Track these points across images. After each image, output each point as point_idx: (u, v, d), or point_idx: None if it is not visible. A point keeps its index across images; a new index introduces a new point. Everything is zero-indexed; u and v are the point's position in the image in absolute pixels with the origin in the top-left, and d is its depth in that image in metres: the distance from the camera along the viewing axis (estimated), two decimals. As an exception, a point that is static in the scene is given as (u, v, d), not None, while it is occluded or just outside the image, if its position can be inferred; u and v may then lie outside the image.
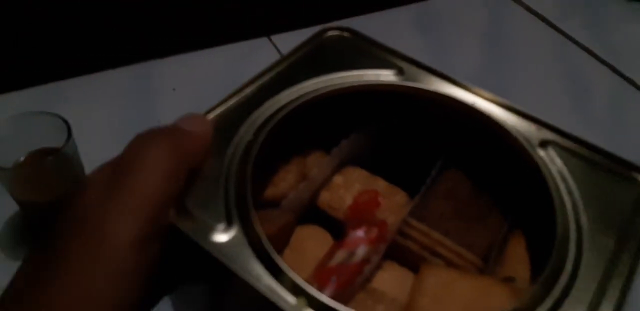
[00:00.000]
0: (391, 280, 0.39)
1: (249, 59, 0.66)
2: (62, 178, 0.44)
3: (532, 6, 0.83)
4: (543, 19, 0.82)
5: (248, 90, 0.38)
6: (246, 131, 0.36)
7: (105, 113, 0.59)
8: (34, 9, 0.72)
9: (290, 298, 0.29)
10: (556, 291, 0.31)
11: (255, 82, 0.39)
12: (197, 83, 0.62)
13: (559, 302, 0.31)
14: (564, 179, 0.36)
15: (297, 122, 0.38)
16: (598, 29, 0.80)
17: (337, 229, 0.42)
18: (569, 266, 0.32)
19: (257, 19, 0.76)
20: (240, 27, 0.74)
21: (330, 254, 0.38)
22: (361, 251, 0.38)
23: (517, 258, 0.40)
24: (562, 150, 0.37)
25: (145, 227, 0.26)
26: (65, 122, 0.43)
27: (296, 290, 0.29)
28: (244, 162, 0.34)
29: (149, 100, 0.61)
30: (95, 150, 0.47)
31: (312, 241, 0.41)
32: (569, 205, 0.35)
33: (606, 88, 0.71)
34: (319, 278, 0.37)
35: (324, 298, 0.28)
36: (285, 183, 0.40)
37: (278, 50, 0.68)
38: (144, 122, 0.54)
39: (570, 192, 0.35)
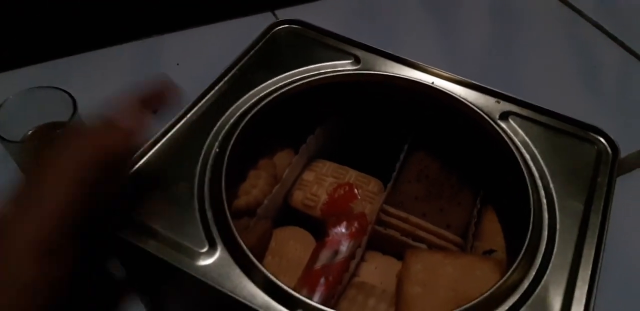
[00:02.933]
0: (377, 271, 0.40)
1: (253, 34, 0.65)
2: None
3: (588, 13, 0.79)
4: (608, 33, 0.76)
5: (207, 100, 0.37)
6: (210, 144, 0.35)
7: (110, 88, 0.58)
8: None
9: (287, 312, 0.28)
10: (537, 261, 0.32)
11: (213, 89, 0.38)
12: (201, 59, 0.62)
13: (541, 271, 0.32)
14: (527, 148, 0.36)
15: (262, 126, 0.37)
16: (609, 3, 0.78)
17: (315, 226, 0.42)
18: (544, 233, 0.33)
19: None
20: (244, 2, 0.73)
21: (314, 256, 0.38)
22: (344, 248, 0.38)
23: (492, 231, 0.41)
24: (522, 119, 0.38)
25: (48, 238, 0.25)
26: (71, 96, 0.44)
27: (293, 304, 0.29)
28: (216, 180, 0.33)
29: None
30: None
31: (292, 243, 0.41)
32: (536, 174, 0.35)
33: (616, 64, 0.70)
34: (308, 282, 0.37)
35: (321, 307, 0.28)
36: (257, 189, 0.39)
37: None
38: None
39: (535, 160, 0.36)
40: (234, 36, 0.65)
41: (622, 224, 0.33)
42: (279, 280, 0.29)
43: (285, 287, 0.29)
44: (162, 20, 0.70)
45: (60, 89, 0.44)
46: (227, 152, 0.35)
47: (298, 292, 0.29)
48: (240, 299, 0.28)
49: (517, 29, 0.73)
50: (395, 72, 0.39)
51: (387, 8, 0.74)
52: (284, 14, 0.70)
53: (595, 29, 0.73)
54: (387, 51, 0.40)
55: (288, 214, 0.43)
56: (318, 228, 0.42)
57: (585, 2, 0.77)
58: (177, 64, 0.62)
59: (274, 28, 0.42)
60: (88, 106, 0.45)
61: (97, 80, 0.60)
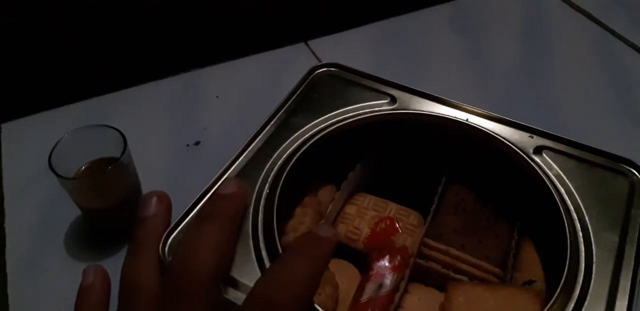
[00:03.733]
0: (420, 302, 0.41)
1: (288, 64, 0.69)
2: (119, 186, 0.48)
3: (595, 15, 0.78)
4: (583, 12, 0.77)
5: (257, 144, 0.40)
6: (261, 186, 0.38)
7: (153, 122, 0.63)
8: (84, 25, 0.78)
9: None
10: (575, 293, 0.33)
11: (262, 133, 0.41)
12: (239, 90, 0.65)
13: (580, 303, 0.33)
14: (562, 182, 0.38)
15: (306, 166, 0.40)
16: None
17: (357, 258, 0.44)
18: (582, 266, 0.34)
19: (294, 25, 0.78)
20: (278, 34, 0.77)
21: (360, 289, 0.40)
22: (388, 281, 0.40)
23: (531, 262, 0.42)
24: (556, 154, 0.39)
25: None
26: (122, 133, 0.46)
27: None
28: (268, 219, 0.35)
29: (194, 108, 0.64)
30: (147, 158, 0.52)
31: (338, 276, 0.43)
32: (572, 207, 0.37)
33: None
34: (355, 314, 0.39)
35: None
36: (304, 226, 0.41)
37: (315, 55, 0.70)
38: (191, 129, 0.61)
39: (570, 193, 0.37)
40: (270, 67, 0.69)
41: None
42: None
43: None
44: (200, 54, 0.73)
45: (111, 127, 0.47)
46: (277, 193, 0.37)
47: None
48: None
49: (548, 53, 0.72)
50: (430, 110, 0.42)
51: (416, 34, 0.74)
52: (317, 44, 0.72)
53: (630, 48, 0.72)
54: (421, 90, 0.42)
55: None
56: (359, 260, 0.44)
57: (618, 21, 0.76)
58: (217, 97, 0.65)
59: (314, 71, 0.45)
60: (134, 140, 0.48)
61: (141, 115, 0.63)
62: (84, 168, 0.48)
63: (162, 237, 0.32)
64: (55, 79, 0.71)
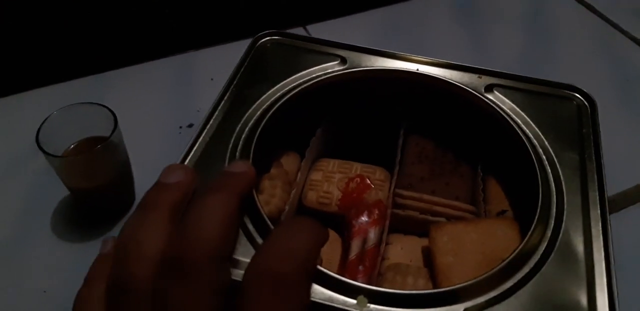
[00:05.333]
0: (404, 251, 0.43)
1: None
2: (109, 166, 0.47)
3: None
4: (590, 8, 0.77)
5: (214, 120, 0.39)
6: (230, 161, 0.37)
7: (147, 102, 0.61)
8: (82, 4, 0.75)
9: (350, 300, 0.30)
10: (553, 211, 0.35)
11: (217, 110, 0.40)
12: None
13: (559, 218, 0.35)
14: (517, 114, 0.40)
15: (269, 138, 0.39)
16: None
17: (332, 222, 0.44)
18: (552, 186, 0.37)
19: (293, 9, 0.77)
20: (276, 18, 0.75)
21: (346, 247, 0.41)
22: (372, 234, 0.41)
23: (498, 194, 0.44)
24: (505, 89, 0.41)
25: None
26: (112, 112, 0.45)
27: (353, 292, 0.31)
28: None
29: (189, 90, 0.63)
30: (139, 138, 0.51)
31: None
32: (530, 134, 0.39)
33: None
34: (348, 271, 0.39)
35: (379, 289, 0.30)
36: (276, 198, 0.41)
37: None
38: (184, 111, 0.60)
39: (526, 123, 0.39)
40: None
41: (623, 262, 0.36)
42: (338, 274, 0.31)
43: (342, 278, 0.31)
44: (196, 36, 0.72)
45: (101, 105, 0.45)
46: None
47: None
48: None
49: (549, 44, 0.72)
50: (381, 65, 0.42)
51: (417, 22, 0.74)
52: (315, 28, 0.71)
53: (634, 43, 0.73)
54: (368, 47, 0.43)
55: (304, 214, 0.45)
56: (335, 223, 0.44)
57: (619, 14, 0.76)
58: (212, 79, 0.64)
59: (258, 41, 0.44)
60: (126, 120, 0.47)
61: (134, 95, 0.62)
62: (73, 147, 0.47)
63: (176, 205, 0.29)
64: (47, 57, 0.69)
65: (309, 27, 0.71)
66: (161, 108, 0.61)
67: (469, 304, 0.30)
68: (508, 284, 0.31)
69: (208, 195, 0.29)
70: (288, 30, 0.70)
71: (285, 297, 0.26)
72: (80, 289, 0.29)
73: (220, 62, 0.58)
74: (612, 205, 0.39)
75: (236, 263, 0.31)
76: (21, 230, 0.49)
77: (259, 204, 0.34)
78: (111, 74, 0.65)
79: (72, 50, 0.70)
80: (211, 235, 0.27)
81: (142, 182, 0.51)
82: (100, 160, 0.45)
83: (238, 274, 0.30)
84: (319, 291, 0.31)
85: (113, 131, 0.44)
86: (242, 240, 0.33)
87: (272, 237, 0.29)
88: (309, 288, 0.28)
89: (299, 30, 0.71)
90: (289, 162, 0.44)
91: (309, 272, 0.28)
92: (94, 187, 0.47)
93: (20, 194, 0.52)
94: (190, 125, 0.59)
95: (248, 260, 0.27)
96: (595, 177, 0.37)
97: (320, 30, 0.71)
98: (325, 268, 0.40)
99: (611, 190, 0.38)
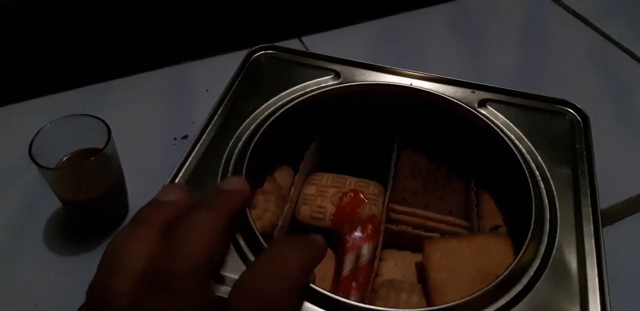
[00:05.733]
0: (397, 267, 0.42)
1: None
2: (102, 178, 0.46)
3: (570, 5, 0.80)
4: (581, 19, 0.78)
5: (207, 135, 0.39)
6: (222, 176, 0.36)
7: (141, 114, 0.61)
8: (75, 15, 0.75)
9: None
10: (546, 227, 0.35)
11: (211, 124, 0.40)
12: None
13: (552, 234, 0.35)
14: (510, 129, 0.40)
15: (263, 152, 0.39)
16: (639, 29, 0.76)
17: (326, 236, 0.44)
18: (545, 201, 0.37)
19: (288, 20, 0.77)
20: (272, 29, 0.75)
21: (339, 263, 0.40)
22: (365, 250, 0.40)
23: (491, 209, 0.44)
24: (499, 104, 0.41)
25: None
26: (106, 124, 0.45)
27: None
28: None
29: (184, 101, 0.63)
30: (133, 150, 0.51)
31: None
32: (524, 150, 0.39)
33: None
34: (341, 288, 0.39)
35: (373, 308, 0.30)
36: (269, 213, 0.41)
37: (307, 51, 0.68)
38: (179, 123, 0.59)
39: (519, 138, 0.39)
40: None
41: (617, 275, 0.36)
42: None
43: (335, 296, 0.31)
44: (193, 47, 0.72)
45: (95, 117, 0.45)
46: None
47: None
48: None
49: (543, 56, 0.73)
50: (375, 79, 0.42)
51: (413, 34, 0.74)
52: (310, 40, 0.71)
53: (625, 54, 0.73)
54: (363, 62, 0.43)
55: (297, 229, 0.45)
56: (329, 238, 0.43)
57: (613, 27, 0.77)
58: (207, 90, 0.63)
59: (252, 56, 0.44)
60: (120, 131, 0.46)
61: (129, 106, 0.62)
62: (66, 159, 0.46)
63: (168, 223, 0.28)
64: (41, 68, 0.68)
65: (304, 39, 0.72)
66: (156, 120, 0.61)
67: (462, 322, 0.30)
68: (502, 301, 0.31)
69: (197, 212, 0.28)
70: (284, 42, 0.71)
71: None
72: (125, 228, 0.29)
73: (216, 73, 0.58)
74: (605, 218, 0.39)
75: (225, 280, 0.31)
76: (13, 242, 0.49)
77: (251, 220, 0.34)
78: (105, 85, 0.65)
79: (66, 60, 0.70)
80: (195, 252, 0.27)
81: (136, 193, 0.51)
82: (93, 172, 0.45)
83: (226, 291, 0.30)
84: (311, 309, 0.30)
85: (107, 143, 0.44)
86: (234, 256, 0.33)
87: (263, 255, 0.28)
88: (297, 308, 0.28)
89: (295, 42, 0.71)
90: (282, 176, 0.44)
91: (298, 292, 0.28)
92: (87, 199, 0.47)
93: (13, 206, 0.52)
94: (185, 137, 0.59)
95: (237, 277, 0.27)
96: (589, 192, 0.37)
97: (316, 41, 0.71)
98: (318, 283, 0.40)
99: (604, 203, 0.38)
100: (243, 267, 0.32)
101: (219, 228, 0.28)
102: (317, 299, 0.30)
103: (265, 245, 0.33)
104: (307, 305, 0.30)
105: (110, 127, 0.45)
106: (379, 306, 0.38)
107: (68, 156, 0.46)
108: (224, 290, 0.30)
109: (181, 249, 0.26)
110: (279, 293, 0.26)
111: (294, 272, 0.27)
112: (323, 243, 0.30)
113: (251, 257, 0.33)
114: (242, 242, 0.33)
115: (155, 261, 0.26)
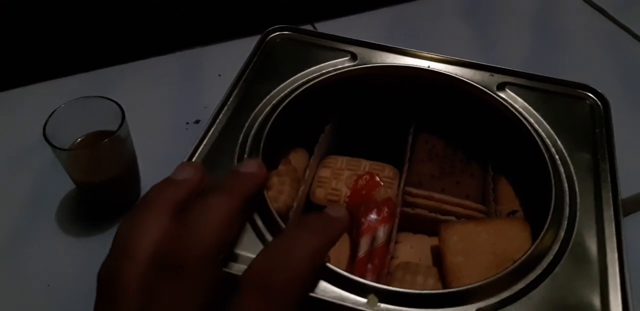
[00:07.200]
0: (413, 250, 0.42)
1: None
2: (115, 160, 0.47)
3: None
4: (600, 10, 0.77)
5: (223, 116, 0.39)
6: (239, 158, 0.36)
7: (154, 98, 0.61)
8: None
9: (361, 299, 0.30)
10: (566, 211, 0.35)
11: (226, 106, 0.39)
12: None
13: (572, 218, 0.34)
14: (530, 113, 0.39)
15: (279, 134, 0.38)
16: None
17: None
18: (565, 186, 0.36)
19: (302, 6, 0.76)
20: (285, 14, 0.75)
21: (355, 245, 0.40)
22: (381, 232, 0.40)
23: (508, 194, 0.44)
24: (518, 88, 0.40)
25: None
26: (120, 106, 0.45)
27: (364, 291, 0.30)
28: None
29: (196, 86, 0.63)
30: (146, 134, 0.51)
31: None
32: (543, 134, 0.38)
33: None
34: (357, 270, 0.39)
35: (391, 288, 0.30)
36: (285, 195, 0.40)
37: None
38: (191, 107, 0.60)
39: (539, 122, 0.39)
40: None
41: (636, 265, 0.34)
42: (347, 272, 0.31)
43: (353, 276, 0.31)
44: (205, 32, 0.72)
45: (109, 99, 0.45)
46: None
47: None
48: (315, 295, 0.30)
49: (558, 46, 0.71)
50: (391, 61, 0.41)
51: (426, 21, 0.74)
52: (323, 26, 0.71)
53: None
54: (379, 43, 0.42)
55: (311, 211, 0.44)
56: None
57: (632, 19, 0.75)
58: (219, 75, 0.63)
59: (268, 36, 0.43)
60: (134, 114, 0.46)
61: (142, 90, 0.62)
62: (80, 140, 0.46)
63: (179, 202, 0.28)
64: (55, 50, 0.69)
65: (317, 25, 0.71)
66: (168, 104, 0.60)
67: (481, 304, 0.30)
68: (520, 285, 0.31)
69: (212, 195, 0.28)
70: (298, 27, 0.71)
71: (274, 303, 0.25)
72: (137, 208, 0.28)
73: (228, 58, 0.58)
74: (622, 209, 0.38)
75: (240, 258, 0.31)
76: (26, 223, 0.49)
77: (268, 201, 0.34)
78: (119, 68, 0.65)
79: (80, 43, 0.70)
80: (208, 237, 0.26)
81: (148, 176, 0.51)
82: (106, 154, 0.45)
83: (240, 269, 0.30)
84: (330, 290, 0.30)
85: (120, 125, 0.44)
86: (251, 235, 0.33)
87: (277, 238, 0.28)
88: (302, 293, 0.28)
89: (307, 28, 0.70)
90: (297, 158, 0.44)
91: (307, 278, 0.27)
92: (100, 181, 0.47)
93: (26, 187, 0.52)
94: (197, 122, 0.58)
95: (254, 256, 0.27)
96: (609, 177, 0.36)
97: (328, 27, 0.71)
98: (334, 264, 0.40)
99: (622, 193, 0.38)
100: (260, 247, 0.32)
101: (234, 212, 0.28)
102: (336, 279, 0.30)
103: (283, 225, 0.32)
104: (326, 285, 0.30)
105: (124, 109, 0.45)
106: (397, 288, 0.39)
107: (82, 137, 0.46)
108: (237, 268, 0.30)
109: (194, 233, 0.26)
110: (284, 281, 0.26)
111: (305, 257, 0.27)
112: (342, 217, 0.30)
113: (269, 237, 0.33)
114: (259, 223, 0.33)
115: (167, 245, 0.26)
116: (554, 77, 0.41)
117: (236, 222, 0.30)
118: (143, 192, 0.51)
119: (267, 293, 0.25)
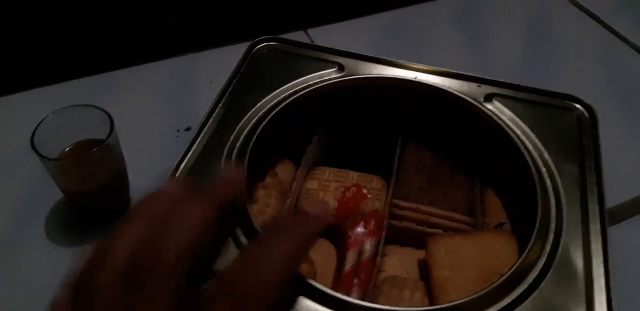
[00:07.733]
0: (400, 263, 0.42)
1: None
2: (104, 169, 0.46)
3: (580, 2, 0.79)
4: (592, 16, 0.77)
5: (209, 128, 0.38)
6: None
7: (145, 105, 0.60)
8: (81, 4, 0.74)
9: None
10: (552, 225, 0.34)
11: (212, 117, 0.39)
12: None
13: (558, 232, 0.34)
14: (516, 124, 0.39)
15: (265, 145, 0.38)
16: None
17: (327, 232, 0.43)
18: (552, 199, 0.36)
19: (294, 12, 0.77)
20: (277, 21, 0.75)
21: (341, 259, 0.40)
22: (368, 246, 0.40)
23: (496, 206, 0.44)
24: (505, 99, 0.40)
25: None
26: (109, 115, 0.45)
27: (348, 308, 0.30)
28: (241, 202, 0.34)
29: (187, 93, 0.62)
30: (135, 141, 0.50)
31: (312, 252, 0.42)
32: (530, 146, 0.38)
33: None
34: (343, 284, 0.38)
35: (375, 306, 0.30)
36: (271, 208, 0.40)
37: (313, 43, 0.67)
38: (182, 114, 0.59)
39: (526, 134, 0.39)
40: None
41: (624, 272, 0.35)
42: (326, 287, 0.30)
43: (336, 294, 0.30)
44: (197, 38, 0.71)
45: (98, 107, 0.45)
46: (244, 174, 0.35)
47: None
48: None
49: (550, 51, 0.71)
50: (379, 72, 0.41)
51: (418, 27, 0.73)
52: (316, 32, 0.71)
53: (635, 52, 0.72)
54: (367, 54, 0.42)
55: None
56: (331, 233, 0.43)
57: (622, 24, 0.75)
58: (211, 82, 0.62)
59: (255, 47, 0.43)
60: (123, 122, 0.46)
61: (132, 97, 0.61)
62: (68, 149, 0.46)
63: (160, 215, 0.27)
64: (43, 57, 0.68)
65: (310, 31, 0.71)
66: (159, 111, 0.60)
67: (466, 321, 0.30)
68: (506, 301, 0.31)
69: (185, 201, 0.28)
70: (290, 34, 0.69)
71: None
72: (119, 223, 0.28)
73: (220, 64, 0.58)
74: (611, 217, 0.38)
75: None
76: (14, 232, 0.49)
77: (251, 215, 0.33)
78: (110, 74, 0.64)
79: (69, 50, 0.70)
80: (178, 240, 0.26)
81: (138, 185, 0.50)
82: (95, 163, 0.44)
83: None
84: (313, 308, 0.30)
85: (109, 134, 0.43)
86: (234, 252, 0.32)
87: (251, 244, 0.28)
88: (277, 300, 0.27)
89: (300, 34, 0.70)
90: (284, 170, 0.44)
91: (281, 284, 0.26)
92: (89, 190, 0.46)
93: (14, 196, 0.51)
94: (188, 129, 0.58)
95: None
96: (596, 189, 0.36)
97: (322, 34, 0.71)
98: (319, 279, 0.40)
99: (610, 201, 0.38)
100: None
101: (206, 216, 0.27)
102: (316, 296, 0.30)
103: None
104: (306, 302, 0.30)
105: (113, 117, 0.44)
106: (381, 302, 0.38)
107: (70, 146, 0.46)
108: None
109: (163, 238, 0.26)
110: (257, 289, 0.25)
111: (279, 263, 0.26)
112: (320, 212, 0.28)
113: (251, 253, 0.32)
114: (242, 238, 0.33)
115: (137, 253, 0.26)
116: (545, 85, 0.41)
117: (210, 226, 0.28)
118: (132, 200, 0.51)
119: (236, 303, 0.25)
